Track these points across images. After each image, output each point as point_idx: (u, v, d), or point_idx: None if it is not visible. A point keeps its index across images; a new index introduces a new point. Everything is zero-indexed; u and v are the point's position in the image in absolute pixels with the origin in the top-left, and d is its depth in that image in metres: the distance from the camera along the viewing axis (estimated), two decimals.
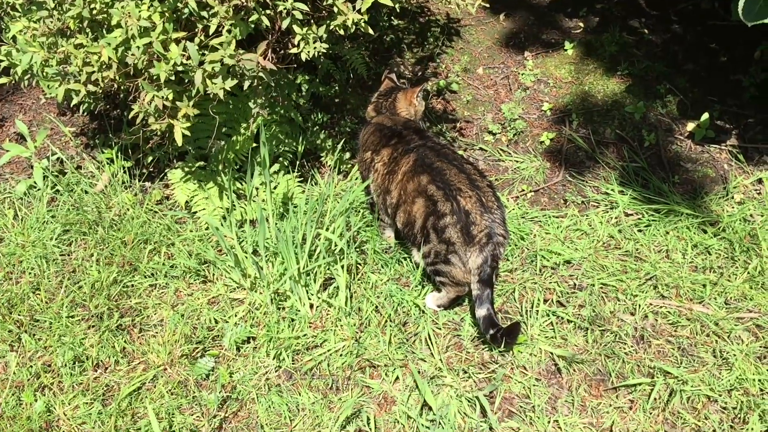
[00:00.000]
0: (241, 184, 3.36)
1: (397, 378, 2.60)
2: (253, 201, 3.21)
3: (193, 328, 2.76)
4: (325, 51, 2.62)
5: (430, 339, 2.70)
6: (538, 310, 2.85)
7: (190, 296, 2.89)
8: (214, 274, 2.96)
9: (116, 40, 2.54)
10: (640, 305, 2.86)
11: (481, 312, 2.58)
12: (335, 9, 2.63)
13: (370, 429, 2.44)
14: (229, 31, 2.58)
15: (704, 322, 2.78)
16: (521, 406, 2.55)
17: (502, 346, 2.56)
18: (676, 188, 3.47)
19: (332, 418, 2.47)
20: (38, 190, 3.27)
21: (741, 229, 3.17)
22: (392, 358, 2.66)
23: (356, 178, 3.34)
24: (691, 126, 3.76)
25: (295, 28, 2.59)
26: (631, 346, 2.73)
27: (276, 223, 2.93)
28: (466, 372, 2.64)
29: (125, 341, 2.70)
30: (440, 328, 2.80)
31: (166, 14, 2.51)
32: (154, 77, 2.56)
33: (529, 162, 3.63)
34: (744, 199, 3.37)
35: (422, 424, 2.43)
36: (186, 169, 3.31)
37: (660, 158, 3.65)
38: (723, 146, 3.69)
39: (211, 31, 2.61)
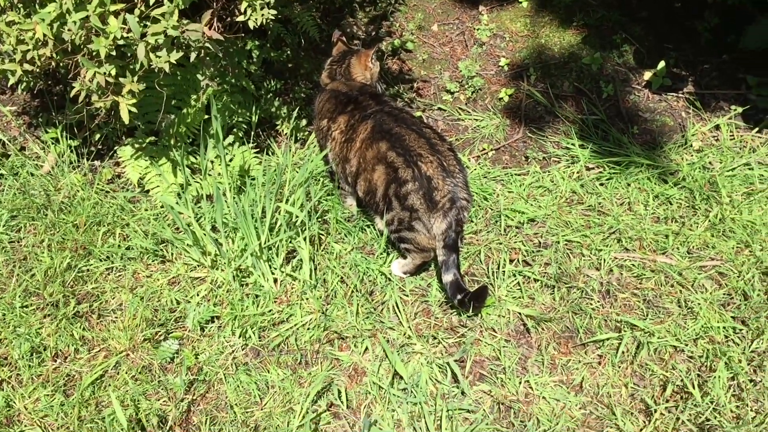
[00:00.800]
0: (195, 159, 3.25)
1: (367, 349, 2.57)
2: (209, 175, 3.11)
3: (154, 311, 2.69)
4: (273, 17, 2.51)
5: (397, 307, 2.67)
6: (504, 271, 2.82)
7: (149, 278, 2.80)
8: (172, 254, 2.87)
9: (50, 15, 2.40)
10: (605, 260, 2.86)
11: (448, 277, 2.55)
12: None
13: (342, 402, 2.40)
14: (170, 0, 2.45)
15: (668, 273, 2.79)
16: (492, 369, 2.54)
17: (470, 310, 2.54)
18: (635, 139, 3.46)
19: (303, 394, 2.43)
20: None
21: (700, 177, 3.17)
22: (360, 329, 2.62)
23: (314, 146, 3.26)
24: (648, 75, 3.74)
25: None
26: (598, 301, 2.73)
27: (234, 198, 2.85)
28: (435, 338, 2.62)
29: (84, 329, 2.62)
30: (407, 295, 2.77)
31: None
32: (94, 53, 2.43)
33: (489, 120, 3.59)
34: (702, 146, 3.38)
35: (393, 394, 2.40)
36: (136, 146, 3.19)
37: (618, 109, 3.63)
38: (680, 94, 3.68)
39: (152, 1, 2.48)
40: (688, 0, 4.00)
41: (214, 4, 2.61)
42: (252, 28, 2.58)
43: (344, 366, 2.54)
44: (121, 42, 2.47)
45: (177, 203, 2.83)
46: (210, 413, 2.41)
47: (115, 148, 3.24)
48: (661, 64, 3.68)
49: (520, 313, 2.69)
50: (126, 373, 2.48)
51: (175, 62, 2.48)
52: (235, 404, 2.43)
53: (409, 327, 2.62)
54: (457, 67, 3.83)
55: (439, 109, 3.68)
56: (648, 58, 3.83)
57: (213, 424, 2.39)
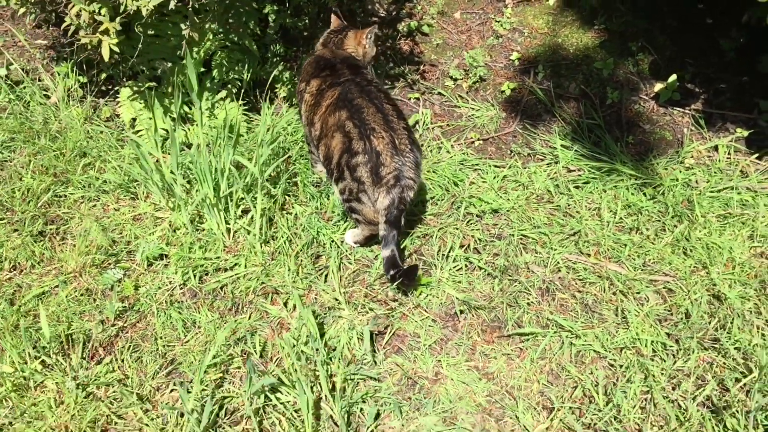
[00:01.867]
0: (190, 108, 3.39)
1: (296, 306, 2.65)
2: (202, 125, 3.24)
3: (112, 242, 2.84)
4: None
5: (334, 272, 2.73)
6: (452, 255, 2.85)
7: (116, 211, 2.96)
8: (144, 193, 3.02)
9: None
10: (555, 259, 2.84)
11: (386, 252, 2.60)
12: None
13: (255, 351, 2.50)
14: None
15: (614, 281, 2.76)
16: (411, 344, 2.58)
17: (400, 286, 2.58)
18: (628, 148, 3.40)
19: (225, 338, 2.53)
20: None
21: (680, 194, 3.10)
22: (295, 287, 2.70)
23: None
24: (658, 87, 3.66)
25: None
26: (535, 298, 2.72)
27: (219, 148, 2.95)
28: (365, 307, 2.67)
29: (45, 247, 2.80)
30: (352, 263, 2.83)
31: None
32: None
33: (485, 110, 3.59)
34: (694, 164, 3.29)
35: (301, 351, 2.48)
36: (135, 89, 3.36)
37: (619, 117, 3.57)
38: (686, 110, 3.59)
39: None
40: (721, 16, 3.86)
41: None
42: None
43: (271, 319, 2.63)
44: None
45: (160, 147, 2.96)
46: (134, 341, 2.55)
47: (116, 88, 3.42)
48: (673, 77, 3.59)
49: (456, 297, 2.71)
50: (69, 292, 2.64)
51: (153, 7, 2.60)
52: (160, 337, 2.56)
53: (341, 292, 2.69)
54: (469, 55, 3.84)
55: (439, 93, 3.71)
56: (665, 69, 3.74)
57: (135, 351, 2.52)
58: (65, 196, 3.01)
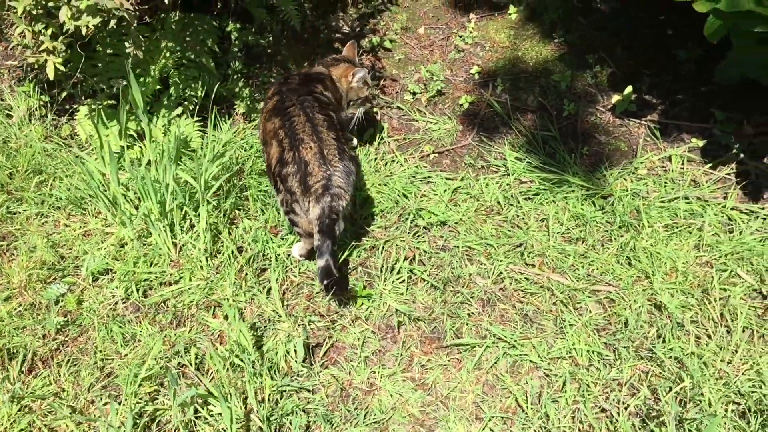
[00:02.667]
0: (149, 125, 3.43)
1: (235, 318, 2.67)
2: (154, 142, 3.29)
3: (60, 257, 2.88)
4: None
5: (275, 285, 2.75)
6: (396, 267, 2.86)
7: (67, 227, 3.00)
8: (95, 209, 3.06)
9: None
10: (500, 270, 2.85)
11: (320, 262, 2.61)
12: None
13: (192, 364, 2.52)
14: None
15: (556, 291, 2.76)
16: (348, 356, 2.59)
17: (331, 295, 2.60)
18: (582, 159, 3.41)
19: (162, 351, 2.56)
20: None
21: (629, 204, 3.10)
22: (237, 300, 2.72)
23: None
24: (616, 98, 3.67)
25: None
26: (476, 309, 2.73)
27: (164, 165, 2.99)
28: (305, 319, 2.69)
29: None
30: (297, 276, 2.85)
31: None
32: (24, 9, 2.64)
33: (443, 124, 3.62)
34: (647, 175, 3.30)
35: (237, 364, 2.49)
36: (93, 107, 3.41)
37: (575, 128, 3.58)
38: (642, 121, 3.60)
39: None
40: (682, 29, 3.88)
41: None
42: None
43: (212, 332, 2.65)
44: (51, 3, 2.66)
45: (118, 163, 3.00)
46: (74, 355, 2.58)
47: (75, 106, 3.47)
48: (628, 88, 3.60)
49: (397, 309, 2.73)
50: (13, 307, 2.67)
51: (93, 27, 2.65)
52: (100, 350, 2.58)
53: (281, 304, 2.71)
54: (428, 69, 3.87)
55: (398, 107, 3.74)
56: (623, 81, 3.75)
57: (73, 364, 2.55)
58: (18, 212, 3.05)
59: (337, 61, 3.23)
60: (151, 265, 2.84)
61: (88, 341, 2.62)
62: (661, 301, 2.69)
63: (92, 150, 3.29)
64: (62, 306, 2.72)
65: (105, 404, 2.42)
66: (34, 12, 2.62)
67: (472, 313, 2.72)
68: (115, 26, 2.70)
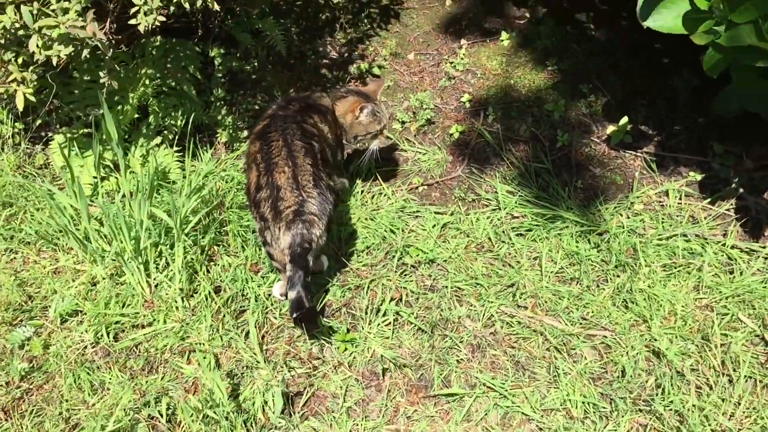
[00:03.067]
0: (126, 155, 3.30)
1: (210, 365, 2.52)
2: (132, 173, 3.16)
3: (28, 297, 2.73)
4: (159, 23, 2.52)
5: (253, 329, 2.61)
6: (381, 309, 2.73)
7: (36, 264, 2.85)
8: (66, 245, 2.91)
9: None
10: (491, 313, 2.72)
11: (292, 294, 2.46)
12: None
13: (163, 415, 2.37)
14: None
15: (549, 336, 2.63)
16: (330, 406, 2.45)
17: (301, 329, 2.49)
18: (576, 193, 3.29)
19: (132, 401, 2.41)
20: None
21: (625, 242, 2.98)
22: (213, 345, 2.58)
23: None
24: (611, 129, 3.56)
25: None
26: (466, 355, 2.60)
27: (139, 200, 2.85)
28: (285, 365, 2.55)
29: None
30: (277, 318, 2.72)
31: None
32: None
33: (432, 154, 3.50)
34: (643, 210, 3.17)
35: (210, 417, 2.35)
36: (68, 135, 3.27)
37: (569, 160, 3.47)
38: (639, 152, 3.48)
39: None
40: (679, 57, 3.77)
41: (111, 5, 2.65)
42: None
43: (186, 379, 2.50)
44: (21, 32, 2.53)
45: (73, 195, 2.86)
46: (38, 404, 2.43)
47: (50, 135, 3.34)
48: (624, 119, 3.49)
49: (382, 355, 2.59)
50: None
51: (66, 56, 2.52)
52: (66, 400, 2.43)
53: (260, 350, 2.56)
54: (415, 97, 3.76)
55: (386, 137, 3.61)
56: (618, 111, 3.64)
57: (38, 415, 2.40)
58: None
59: (347, 93, 3.11)
60: (123, 306, 2.69)
61: (54, 389, 2.47)
62: (659, 348, 2.56)
63: (65, 181, 3.14)
64: (28, 350, 2.56)
65: None
66: (2, 41, 2.48)
67: (462, 359, 2.58)
68: (88, 55, 2.55)
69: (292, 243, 2.46)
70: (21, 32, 2.53)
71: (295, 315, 2.43)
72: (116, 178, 3.18)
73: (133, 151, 3.28)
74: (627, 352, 2.57)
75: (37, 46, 2.50)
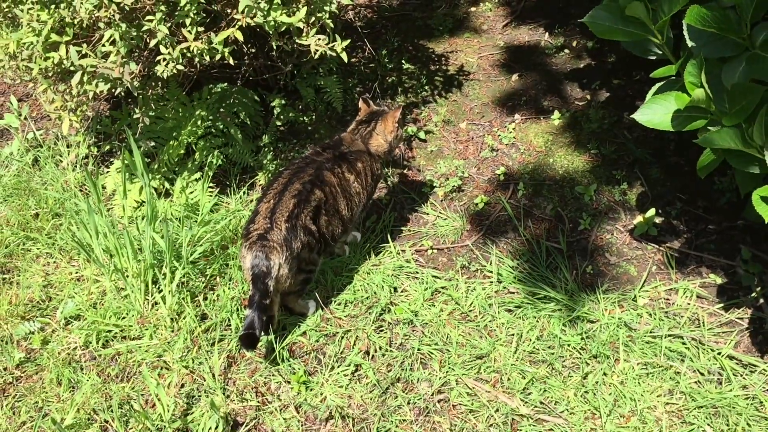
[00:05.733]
0: (171, 185, 3.66)
1: (175, 384, 2.73)
2: (171, 202, 3.51)
3: (48, 297, 3.09)
4: (177, 71, 2.84)
5: (216, 358, 2.80)
6: (347, 359, 2.84)
7: (65, 270, 3.23)
8: (93, 257, 3.27)
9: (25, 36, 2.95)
10: (450, 381, 2.75)
11: (247, 312, 2.67)
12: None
13: (119, 421, 2.59)
14: (113, 43, 2.90)
15: (498, 414, 2.62)
16: None
17: (240, 346, 2.74)
18: (583, 278, 3.25)
19: (97, 402, 2.66)
20: (8, 157, 3.83)
21: (612, 334, 2.91)
22: (184, 365, 2.80)
23: None
24: (638, 219, 3.49)
25: (161, 48, 2.85)
26: (410, 417, 2.64)
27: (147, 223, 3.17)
28: (240, 396, 2.71)
29: None
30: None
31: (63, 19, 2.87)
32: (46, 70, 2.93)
33: (452, 221, 3.58)
34: (645, 305, 3.08)
35: (148, 428, 2.54)
36: (126, 162, 3.68)
37: (587, 244, 3.43)
38: (662, 247, 3.39)
39: (104, 40, 2.94)
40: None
41: (145, 52, 3.01)
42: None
43: (149, 392, 2.73)
44: (72, 68, 2.95)
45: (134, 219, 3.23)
46: (23, 392, 2.74)
47: (113, 159, 3.77)
48: (651, 211, 3.42)
49: (330, 402, 2.69)
50: None
51: (101, 92, 2.90)
52: (45, 391, 2.73)
53: (221, 377, 2.75)
54: (453, 164, 3.88)
55: (412, 198, 3.75)
56: (652, 202, 3.58)
57: (18, 400, 2.71)
58: (30, 250, 3.32)
59: (371, 122, 3.28)
60: (121, 318, 2.97)
61: (39, 381, 2.77)
62: None
63: (111, 202, 3.53)
64: (29, 343, 2.90)
65: None
66: (51, 75, 2.89)
67: (404, 420, 2.63)
68: (123, 93, 2.91)
69: (252, 264, 2.68)
70: (71, 67, 2.93)
71: (240, 333, 2.64)
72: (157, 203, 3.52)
73: (176, 182, 3.62)
74: None
75: (75, 82, 2.87)
